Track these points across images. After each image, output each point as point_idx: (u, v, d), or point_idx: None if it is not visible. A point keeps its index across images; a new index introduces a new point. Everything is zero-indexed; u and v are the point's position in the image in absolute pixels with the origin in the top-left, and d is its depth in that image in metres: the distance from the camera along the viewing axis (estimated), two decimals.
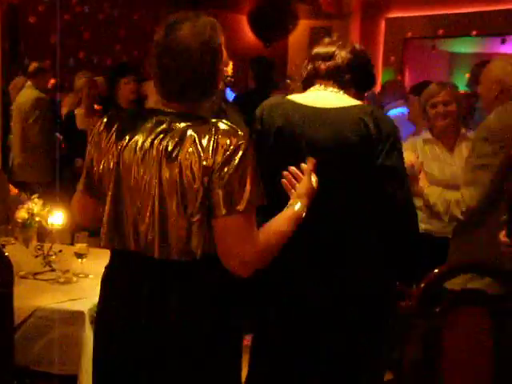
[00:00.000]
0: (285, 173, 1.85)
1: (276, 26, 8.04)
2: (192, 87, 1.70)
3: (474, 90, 5.02)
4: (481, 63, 4.90)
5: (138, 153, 1.68)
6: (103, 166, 1.74)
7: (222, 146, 1.62)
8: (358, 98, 2.04)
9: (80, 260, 2.71)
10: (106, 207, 1.73)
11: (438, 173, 3.10)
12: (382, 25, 8.33)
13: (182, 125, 1.68)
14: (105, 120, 1.79)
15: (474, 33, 7.80)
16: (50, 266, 2.75)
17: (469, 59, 10.36)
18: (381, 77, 7.97)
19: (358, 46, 2.11)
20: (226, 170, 1.61)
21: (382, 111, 2.04)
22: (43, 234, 2.95)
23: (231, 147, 1.62)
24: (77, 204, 1.91)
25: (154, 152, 1.67)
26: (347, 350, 1.96)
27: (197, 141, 1.64)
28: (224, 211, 1.62)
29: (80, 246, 2.71)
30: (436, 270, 1.86)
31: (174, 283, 1.69)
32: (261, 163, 1.69)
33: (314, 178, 1.85)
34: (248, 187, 1.63)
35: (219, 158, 1.61)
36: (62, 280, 2.64)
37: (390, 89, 5.58)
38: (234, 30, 7.75)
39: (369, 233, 1.95)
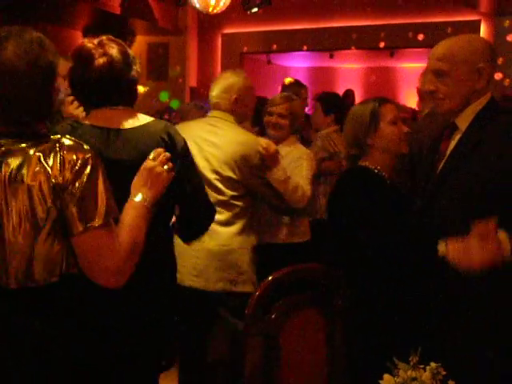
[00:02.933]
0: None
1: None
2: (22, 112, 1.59)
3: None
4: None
5: None
6: None
7: (70, 162, 1.56)
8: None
9: None
10: None
11: None
12: (219, 40, 8.54)
13: (22, 145, 1.57)
14: None
15: (305, 48, 8.25)
16: None
17: (302, 72, 10.95)
18: None
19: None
20: (76, 185, 1.55)
21: (173, 126, 2.15)
22: None
23: (79, 162, 1.56)
24: None
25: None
26: None
27: (42, 159, 1.55)
28: (80, 228, 1.56)
29: None
30: (269, 278, 1.95)
31: (31, 311, 1.59)
32: None
33: (166, 166, 1.82)
34: (102, 200, 1.58)
35: (68, 174, 1.55)
36: None
37: None
38: (69, 46, 7.52)
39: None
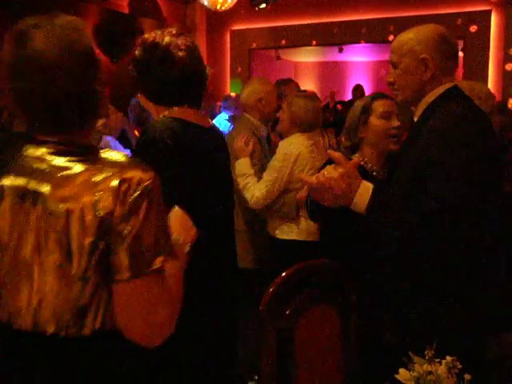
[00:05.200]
0: None
1: (120, 42, 7.95)
2: (63, 111, 1.28)
3: None
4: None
5: (4, 202, 1.27)
6: None
7: (125, 189, 1.22)
8: None
9: None
10: None
11: None
12: (227, 37, 8.54)
13: (65, 160, 1.27)
14: None
15: (314, 42, 8.22)
16: None
17: (311, 67, 10.92)
18: (229, 87, 8.16)
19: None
20: (130, 222, 1.22)
21: None
22: None
23: (138, 190, 1.23)
24: None
25: (29, 201, 1.25)
26: None
27: (88, 180, 1.24)
28: (128, 274, 1.23)
29: None
30: (283, 274, 1.94)
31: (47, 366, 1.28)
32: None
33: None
34: (157, 239, 1.26)
35: (121, 206, 1.22)
36: None
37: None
38: None
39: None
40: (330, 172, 1.84)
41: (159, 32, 2.02)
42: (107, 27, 7.80)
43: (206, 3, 6.42)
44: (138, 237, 1.23)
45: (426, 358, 1.40)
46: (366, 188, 1.85)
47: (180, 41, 1.98)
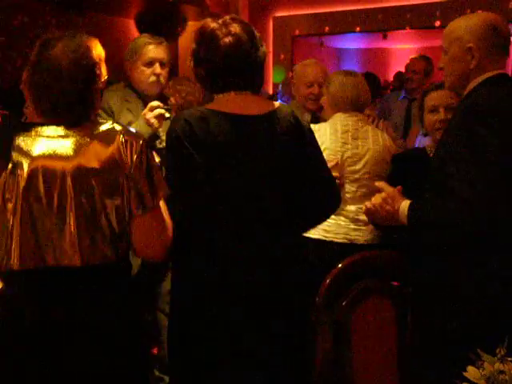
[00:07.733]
0: None
1: (164, 29, 7.96)
2: (64, 106, 1.72)
3: None
4: None
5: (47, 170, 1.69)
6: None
7: (131, 147, 1.71)
8: None
9: None
10: (14, 223, 1.66)
11: None
12: (270, 24, 8.45)
13: (76, 133, 1.72)
14: None
15: (358, 29, 8.08)
16: None
17: (355, 54, 10.77)
18: (272, 75, 8.10)
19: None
20: (136, 171, 1.71)
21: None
22: None
23: (136, 147, 1.71)
24: None
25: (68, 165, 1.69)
26: None
27: (109, 144, 1.70)
28: (140, 210, 1.72)
29: None
30: (339, 265, 1.90)
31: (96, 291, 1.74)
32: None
33: None
34: (156, 183, 1.73)
35: (130, 159, 1.70)
36: None
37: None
38: (122, 35, 7.58)
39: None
40: (376, 198, 2.04)
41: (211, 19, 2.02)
42: (150, 15, 7.82)
43: None
44: (141, 181, 1.72)
45: (498, 356, 1.33)
46: (406, 204, 1.98)
47: (228, 27, 1.91)
